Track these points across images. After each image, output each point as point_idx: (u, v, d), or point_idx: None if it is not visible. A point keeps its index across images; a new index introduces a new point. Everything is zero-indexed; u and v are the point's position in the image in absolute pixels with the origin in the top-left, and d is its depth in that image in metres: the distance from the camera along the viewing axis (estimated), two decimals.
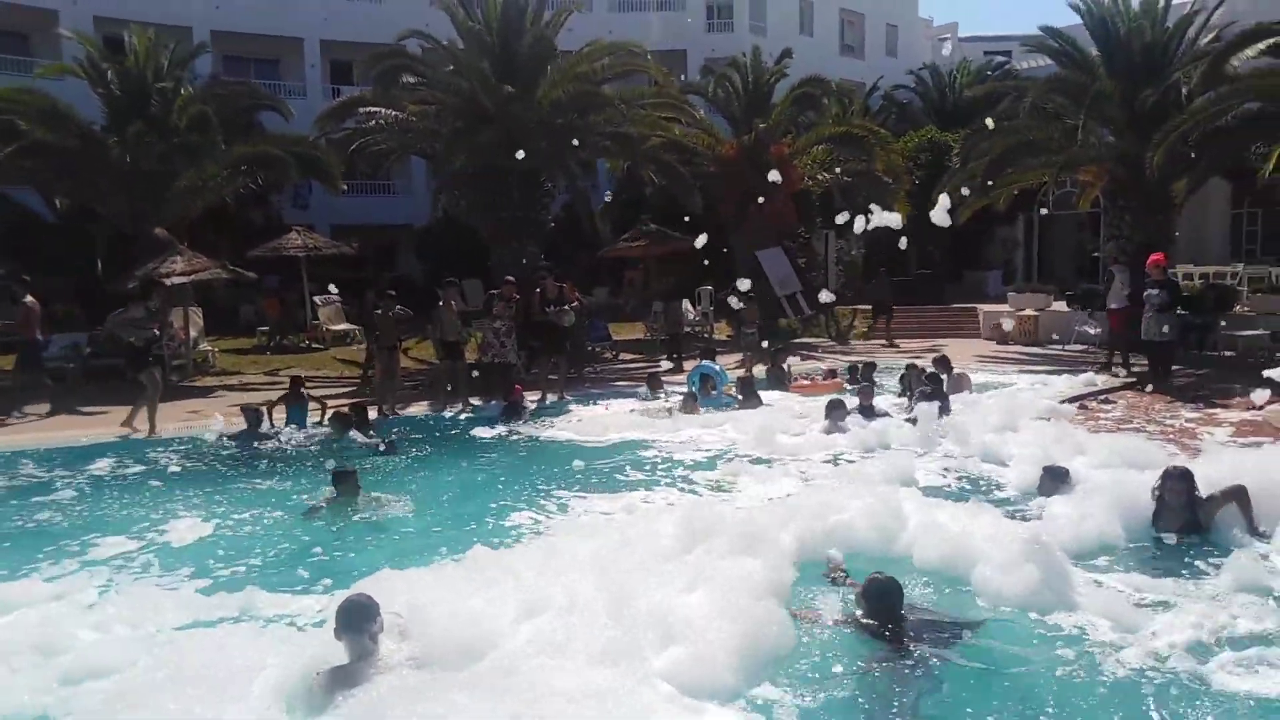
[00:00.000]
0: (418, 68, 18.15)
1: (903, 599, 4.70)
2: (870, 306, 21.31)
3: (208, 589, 5.68)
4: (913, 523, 6.28)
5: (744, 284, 14.59)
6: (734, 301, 15.77)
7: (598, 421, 10.87)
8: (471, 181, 18.02)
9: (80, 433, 11.06)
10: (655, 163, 19.57)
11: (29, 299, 12.95)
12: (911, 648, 4.43)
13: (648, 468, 8.88)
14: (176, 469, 9.21)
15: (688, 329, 19.68)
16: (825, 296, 15.55)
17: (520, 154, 15.43)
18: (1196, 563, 5.71)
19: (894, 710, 3.98)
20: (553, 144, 17.32)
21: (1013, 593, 5.09)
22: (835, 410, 10.05)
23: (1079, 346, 17.56)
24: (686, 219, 20.04)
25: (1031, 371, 14.91)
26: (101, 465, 9.27)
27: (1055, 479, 7.06)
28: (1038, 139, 16.85)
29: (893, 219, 9.66)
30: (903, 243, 11.95)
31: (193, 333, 17.11)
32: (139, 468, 9.24)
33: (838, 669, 4.39)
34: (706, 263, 19.64)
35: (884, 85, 32.95)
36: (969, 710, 4.00)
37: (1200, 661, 4.34)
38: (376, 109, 18.10)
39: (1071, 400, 11.88)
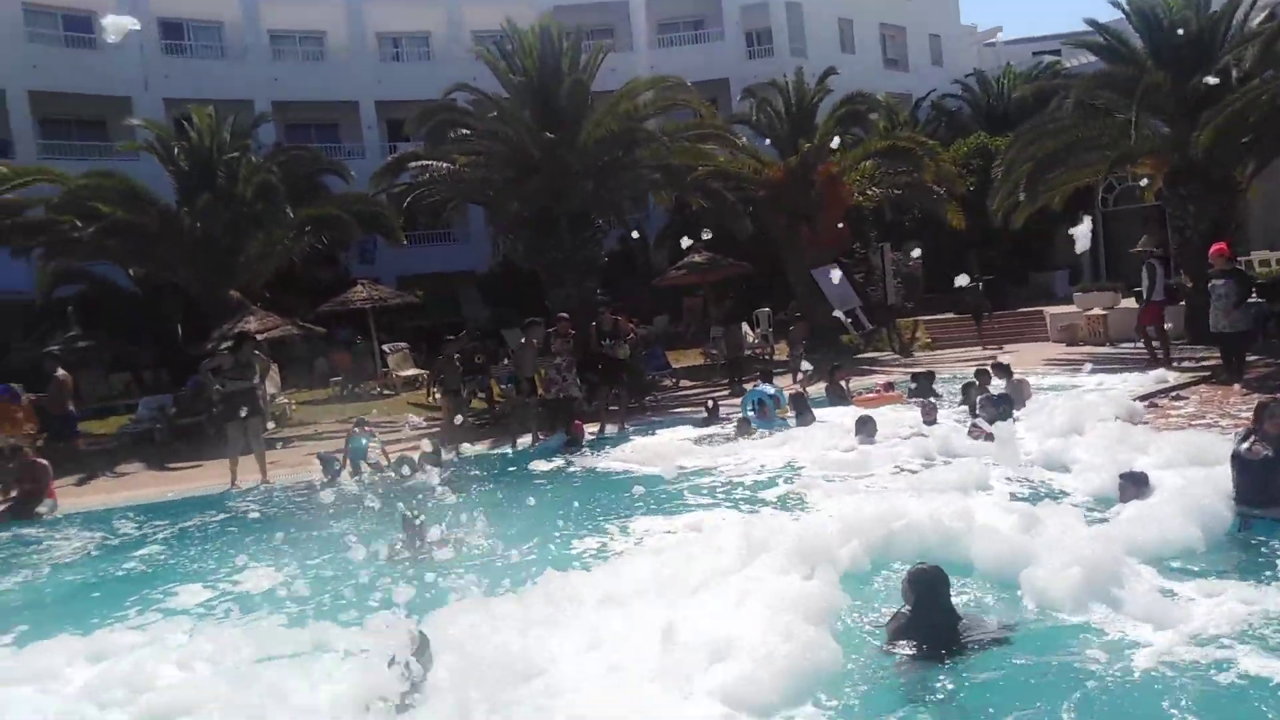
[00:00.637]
0: (466, 120, 18.77)
1: (948, 588, 4.71)
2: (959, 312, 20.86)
3: (285, 625, 5.95)
4: (975, 527, 6.28)
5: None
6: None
7: (655, 449, 10.99)
8: (524, 225, 18.50)
9: (167, 489, 11.62)
10: (703, 192, 19.80)
11: (60, 373, 13.32)
12: (958, 647, 4.42)
13: (705, 492, 8.97)
14: (256, 516, 9.63)
15: (747, 352, 19.74)
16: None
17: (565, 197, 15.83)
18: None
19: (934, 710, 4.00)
20: (599, 183, 17.70)
21: (1067, 596, 5.04)
22: (864, 426, 10.04)
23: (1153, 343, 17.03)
24: (742, 240, 20.28)
25: (1101, 372, 14.56)
26: (187, 518, 9.75)
27: (1135, 484, 6.80)
28: (1087, 136, 16.57)
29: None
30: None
31: (269, 388, 17.80)
32: (221, 516, 9.70)
33: (883, 682, 4.43)
34: (760, 285, 19.85)
35: (931, 95, 32.74)
36: (1010, 711, 3.99)
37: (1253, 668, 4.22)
38: (429, 162, 18.74)
39: (1142, 398, 11.59)
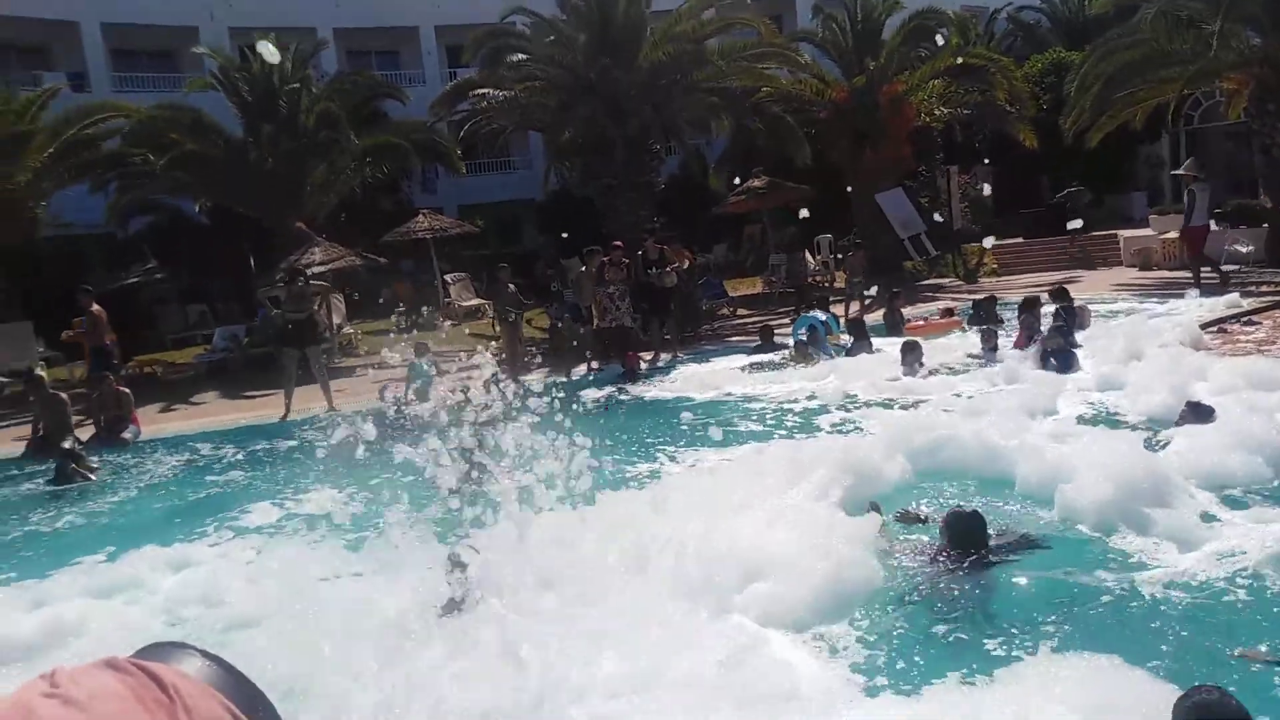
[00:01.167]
0: (523, 44, 18.61)
1: (985, 528, 4.79)
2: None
3: (346, 546, 6.29)
4: (1018, 443, 6.33)
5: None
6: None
7: (705, 378, 11.10)
8: (580, 151, 18.42)
9: (241, 416, 12.18)
10: (763, 115, 19.40)
11: (95, 307, 13.45)
12: (989, 568, 4.58)
13: (755, 417, 9.09)
14: (322, 443, 10.04)
15: (810, 279, 19.53)
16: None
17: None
18: None
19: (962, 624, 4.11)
20: (656, 108, 17.47)
21: (1096, 512, 5.13)
22: (910, 353, 9.99)
23: (1231, 266, 16.38)
24: (804, 167, 19.86)
25: (1174, 296, 14.09)
26: (259, 443, 10.24)
27: (1198, 415, 6.68)
28: (1167, 50, 15.70)
29: None
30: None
31: (335, 318, 18.32)
32: (292, 442, 10.16)
33: (916, 599, 4.54)
34: (822, 210, 19.45)
35: (1009, 8, 31.18)
36: (1034, 622, 4.13)
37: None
38: (486, 90, 18.70)
39: (1212, 324, 11.23)
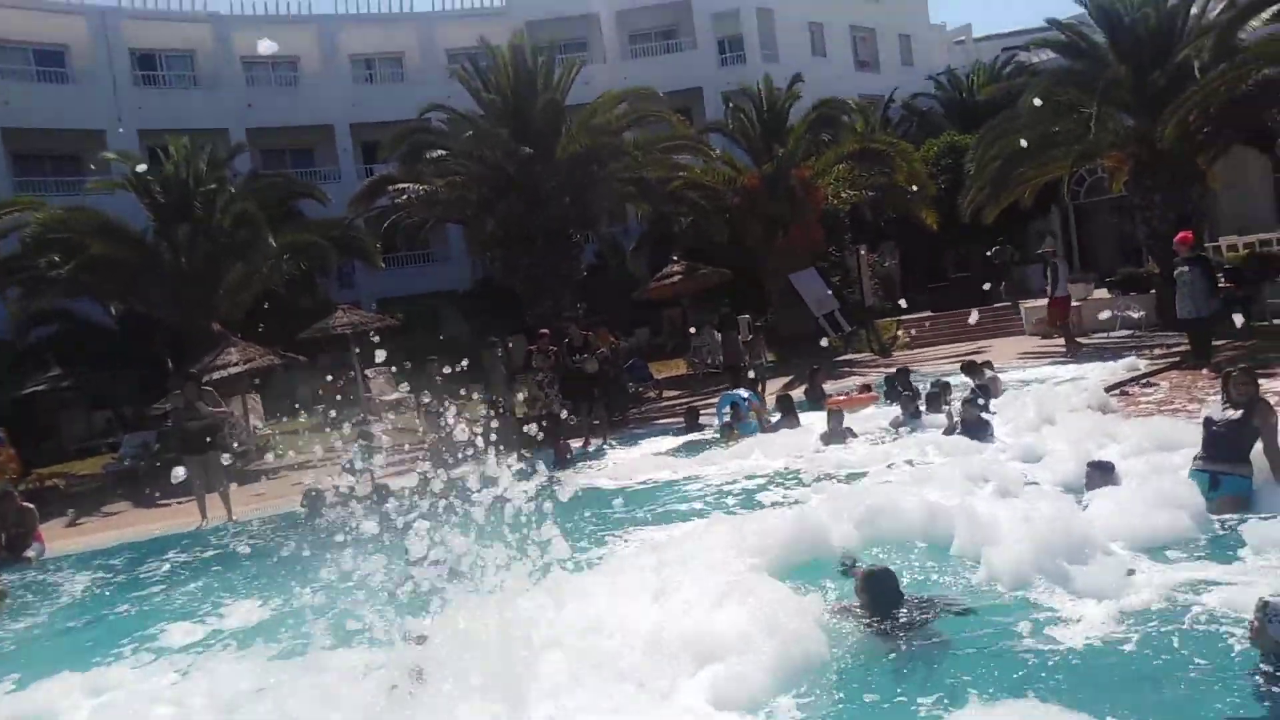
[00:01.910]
0: (441, 140, 18.89)
1: (897, 586, 5.04)
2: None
3: (275, 657, 6.03)
4: (952, 509, 6.54)
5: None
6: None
7: (636, 463, 11.14)
8: (501, 243, 18.63)
9: (152, 526, 11.65)
10: (678, 203, 19.99)
11: None
12: (906, 630, 4.80)
13: (694, 499, 9.13)
14: (244, 551, 9.67)
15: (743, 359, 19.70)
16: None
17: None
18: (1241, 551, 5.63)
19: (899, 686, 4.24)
20: (575, 198, 17.86)
21: (1018, 572, 5.36)
22: (833, 418, 10.45)
23: (1123, 332, 17.34)
24: (720, 244, 20.42)
25: (1074, 363, 14.80)
26: (174, 555, 9.79)
27: (1102, 472, 7.05)
28: (1052, 132, 16.85)
29: None
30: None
31: (253, 419, 17.84)
32: (209, 553, 9.75)
33: (848, 666, 4.65)
34: (739, 292, 19.99)
35: (902, 95, 33.07)
36: (958, 686, 4.28)
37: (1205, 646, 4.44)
38: (405, 185, 18.85)
39: (1113, 387, 11.80)
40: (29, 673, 6.27)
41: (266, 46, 13.62)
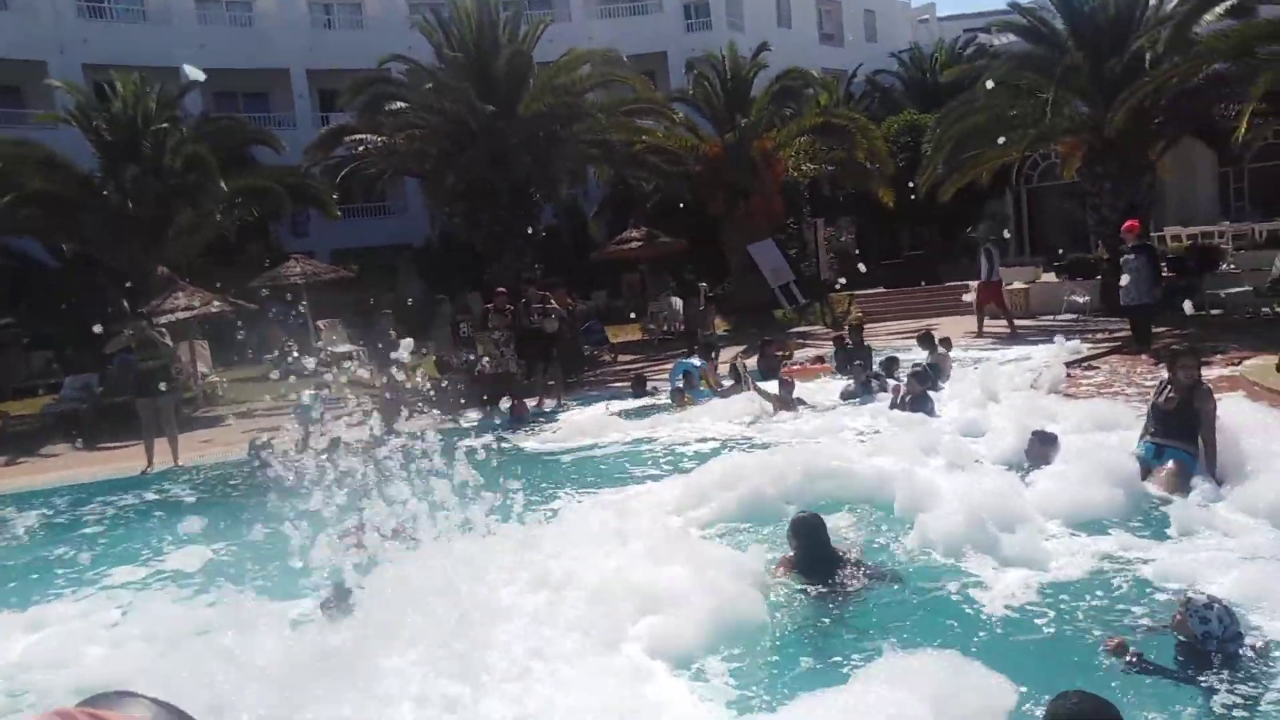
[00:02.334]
0: (401, 92, 18.53)
1: (825, 534, 5.36)
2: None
3: (210, 603, 6.00)
4: (897, 474, 6.83)
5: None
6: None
7: (586, 425, 11.21)
8: (462, 198, 18.41)
9: (96, 469, 11.46)
10: (641, 167, 19.92)
11: None
12: (842, 584, 5.12)
13: (637, 462, 9.23)
14: (189, 497, 9.58)
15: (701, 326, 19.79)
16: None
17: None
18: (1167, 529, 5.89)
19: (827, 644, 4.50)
20: (537, 157, 17.69)
21: (949, 540, 5.62)
22: (784, 388, 10.90)
23: (1069, 316, 17.79)
24: (681, 211, 20.43)
25: (1021, 343, 15.18)
26: (118, 498, 9.67)
27: (1044, 443, 7.24)
28: (1008, 115, 17.11)
29: None
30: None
31: (200, 366, 17.53)
32: (154, 497, 9.63)
33: (788, 628, 4.85)
34: (697, 259, 20.08)
35: (865, 71, 33.20)
36: (886, 636, 4.56)
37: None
38: (363, 135, 18.49)
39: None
40: None
41: (193, 73, 13.38)
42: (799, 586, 5.17)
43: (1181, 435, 6.64)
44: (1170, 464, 6.54)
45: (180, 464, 11.15)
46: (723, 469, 7.35)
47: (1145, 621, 4.55)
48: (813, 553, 5.28)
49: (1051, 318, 18.08)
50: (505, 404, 11.39)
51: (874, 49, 36.67)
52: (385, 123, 18.10)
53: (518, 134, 17.52)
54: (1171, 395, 6.73)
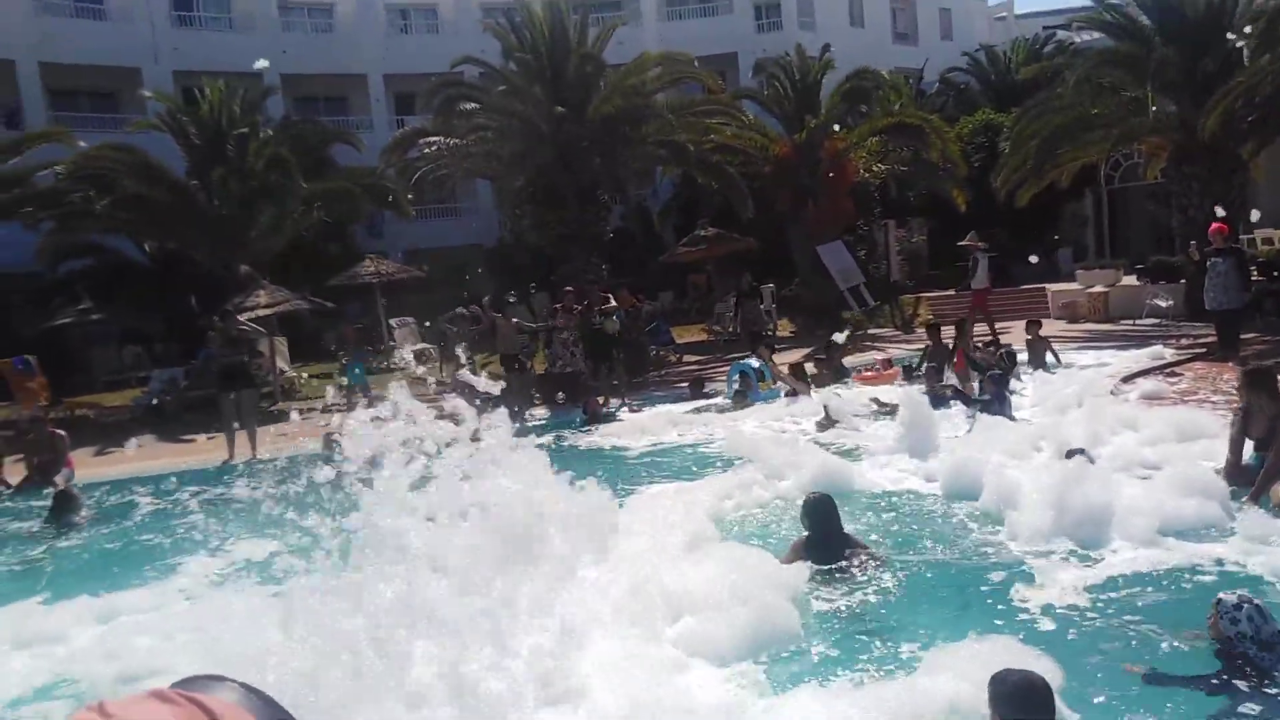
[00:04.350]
0: (474, 94, 18.86)
1: (836, 511, 5.63)
2: None
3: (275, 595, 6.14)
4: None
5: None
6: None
7: (644, 424, 11.27)
8: (531, 200, 18.65)
9: (178, 460, 11.91)
10: (709, 168, 19.88)
11: None
12: (852, 569, 5.36)
13: (699, 461, 9.24)
14: (266, 489, 9.86)
15: (765, 328, 19.65)
16: None
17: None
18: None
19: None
20: (606, 158, 17.82)
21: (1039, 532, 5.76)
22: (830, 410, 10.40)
23: (1150, 320, 17.19)
24: (749, 218, 20.38)
25: (1098, 348, 14.73)
26: (199, 488, 10.02)
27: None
28: (1091, 114, 16.60)
29: None
30: None
31: (279, 361, 18.08)
32: (234, 489, 9.95)
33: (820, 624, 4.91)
34: (765, 261, 19.94)
35: (940, 70, 32.57)
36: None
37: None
38: (437, 138, 18.86)
39: (1136, 375, 11.75)
40: (52, 593, 6.50)
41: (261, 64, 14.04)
42: (818, 574, 5.31)
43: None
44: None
45: (258, 456, 11.51)
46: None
47: (1186, 632, 4.41)
48: (825, 530, 5.53)
49: (1131, 322, 17.49)
50: (559, 397, 11.43)
51: (949, 47, 35.94)
52: (458, 125, 18.44)
53: (587, 136, 17.67)
54: (1260, 421, 6.46)
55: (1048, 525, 5.69)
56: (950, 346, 12.46)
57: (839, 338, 13.28)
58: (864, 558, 5.46)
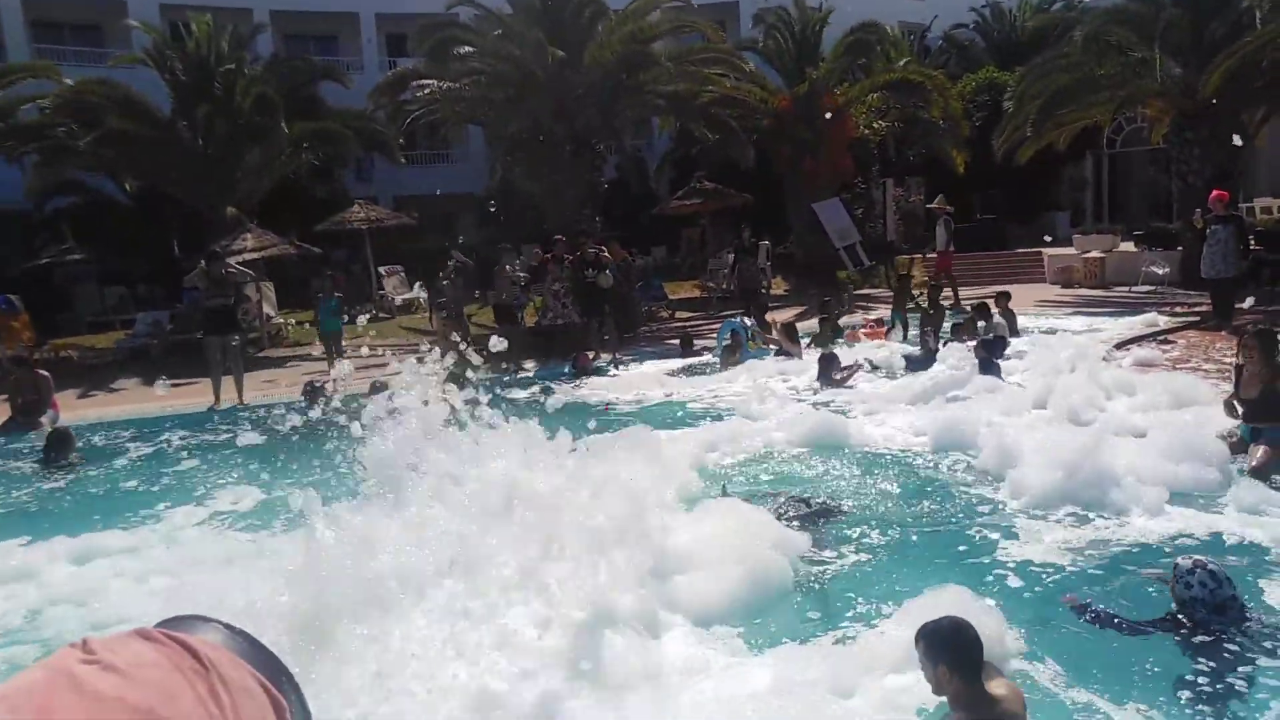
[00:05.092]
0: (469, 37, 18.39)
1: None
2: None
3: (251, 541, 6.07)
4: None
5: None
6: None
7: (634, 380, 11.20)
8: (524, 147, 18.30)
9: (164, 403, 11.76)
10: (707, 119, 19.53)
11: None
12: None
13: (684, 418, 9.18)
14: (250, 437, 9.75)
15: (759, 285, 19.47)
16: None
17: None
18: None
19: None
20: (601, 106, 17.46)
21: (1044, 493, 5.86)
22: (826, 364, 10.19)
23: (1145, 287, 17.13)
24: (743, 171, 20.08)
25: (1092, 314, 14.67)
26: (178, 433, 9.92)
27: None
28: (1096, 74, 16.32)
29: None
30: None
31: (265, 307, 17.87)
32: (208, 436, 9.86)
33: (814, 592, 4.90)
34: (761, 217, 19.70)
35: (944, 24, 31.98)
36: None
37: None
38: (429, 81, 18.43)
39: (1129, 341, 11.71)
40: (29, 533, 6.42)
41: None
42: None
43: (1273, 416, 6.40)
44: (1264, 445, 6.26)
45: (245, 402, 11.40)
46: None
47: (1156, 571, 4.56)
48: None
49: (1126, 289, 17.43)
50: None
51: (957, 3, 35.24)
52: (452, 68, 18.01)
53: (583, 82, 17.29)
54: (1252, 383, 6.47)
55: (1047, 486, 5.72)
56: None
57: (841, 299, 13.23)
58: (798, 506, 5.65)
